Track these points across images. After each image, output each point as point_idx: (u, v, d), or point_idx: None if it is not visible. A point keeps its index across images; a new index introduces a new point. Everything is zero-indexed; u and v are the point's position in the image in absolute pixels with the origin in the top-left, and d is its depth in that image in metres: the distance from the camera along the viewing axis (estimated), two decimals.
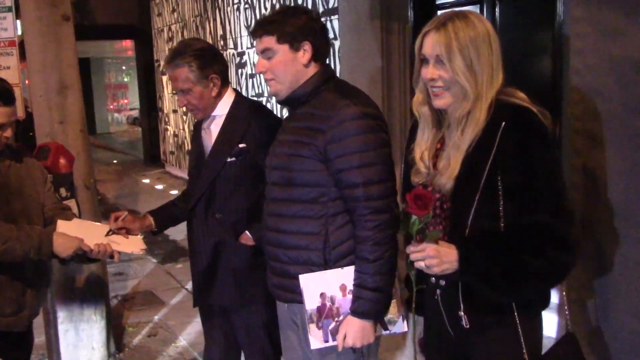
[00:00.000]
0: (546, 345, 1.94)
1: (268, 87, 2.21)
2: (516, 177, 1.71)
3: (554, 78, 3.24)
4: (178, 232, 6.67)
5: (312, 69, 2.13)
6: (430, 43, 1.77)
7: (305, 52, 2.11)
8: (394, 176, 2.06)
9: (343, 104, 2.03)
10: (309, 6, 5.73)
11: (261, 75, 2.22)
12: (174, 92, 2.62)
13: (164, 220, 2.74)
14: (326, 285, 2.04)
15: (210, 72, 2.52)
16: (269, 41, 2.12)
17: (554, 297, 2.57)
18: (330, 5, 5.41)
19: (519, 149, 1.71)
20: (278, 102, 2.23)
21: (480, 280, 1.77)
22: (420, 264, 1.75)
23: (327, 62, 2.23)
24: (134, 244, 2.56)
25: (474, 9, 4.12)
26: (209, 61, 2.54)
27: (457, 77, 1.74)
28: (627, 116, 2.27)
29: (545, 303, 1.89)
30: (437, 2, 4.36)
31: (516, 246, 1.73)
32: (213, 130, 2.61)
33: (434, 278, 1.89)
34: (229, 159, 2.53)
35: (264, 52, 2.14)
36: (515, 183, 1.71)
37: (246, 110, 2.60)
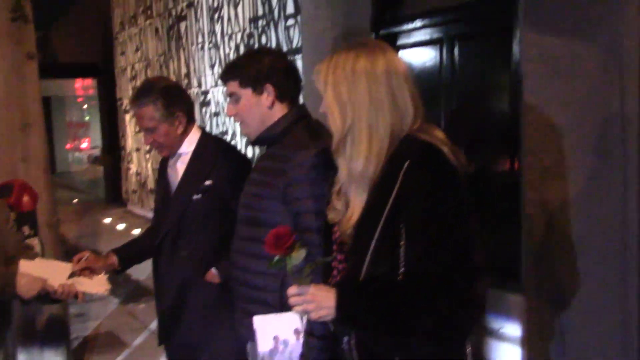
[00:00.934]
0: None
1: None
2: (416, 221, 1.56)
3: (512, 115, 3.34)
4: (140, 272, 6.56)
5: (279, 110, 2.17)
6: (315, 75, 1.74)
7: (269, 95, 2.15)
8: None
9: (306, 146, 2.04)
10: (273, 45, 5.83)
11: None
12: (139, 130, 2.63)
13: (128, 258, 2.71)
14: (280, 329, 1.97)
15: (175, 109, 2.55)
16: (234, 86, 2.17)
17: (517, 330, 2.62)
18: (294, 45, 5.51)
19: (420, 190, 1.57)
20: (250, 143, 2.27)
21: (359, 330, 1.64)
22: (298, 309, 1.65)
23: (299, 101, 2.26)
24: (98, 284, 2.53)
25: (433, 49, 4.25)
26: (174, 99, 2.57)
27: (327, 109, 1.69)
28: (580, 151, 2.36)
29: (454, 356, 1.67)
30: (398, 43, 4.48)
31: (404, 297, 1.55)
32: (179, 167, 2.62)
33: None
34: (195, 196, 2.54)
35: (231, 97, 2.20)
36: (415, 228, 1.56)
37: (212, 147, 2.62)
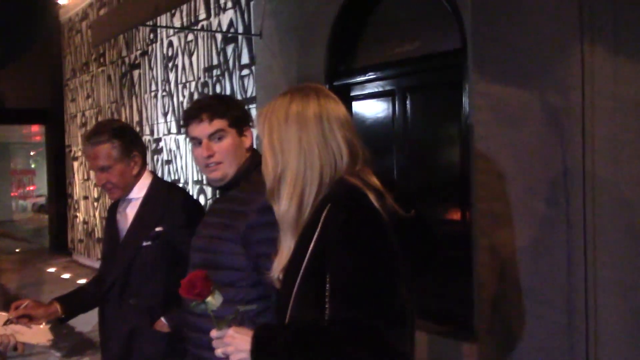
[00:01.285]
0: None
1: (210, 172, 2.15)
2: (334, 265, 1.51)
3: (463, 164, 3.42)
4: (84, 324, 6.33)
5: (248, 154, 2.18)
6: (256, 120, 1.76)
7: (247, 138, 2.17)
8: None
9: (264, 190, 2.05)
10: (228, 93, 5.86)
11: (201, 164, 2.16)
12: (89, 174, 2.57)
13: (73, 306, 2.59)
14: None
15: (132, 149, 2.52)
16: (221, 124, 2.12)
17: None
18: (249, 95, 5.56)
19: (337, 233, 1.52)
20: (216, 186, 2.21)
21: None
22: (219, 352, 1.62)
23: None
24: (39, 335, 2.41)
25: (385, 101, 4.35)
26: (131, 139, 2.54)
27: (262, 155, 1.70)
28: (528, 197, 2.42)
29: None
30: (351, 94, 4.57)
31: (320, 345, 1.47)
32: (129, 213, 2.57)
33: None
34: (144, 243, 2.48)
35: (214, 134, 2.12)
36: (333, 272, 1.50)
37: (164, 192, 2.58)
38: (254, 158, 2.18)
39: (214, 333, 1.63)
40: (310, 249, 1.56)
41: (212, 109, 2.14)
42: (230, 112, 2.16)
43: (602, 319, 2.31)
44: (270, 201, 1.70)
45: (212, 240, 2.10)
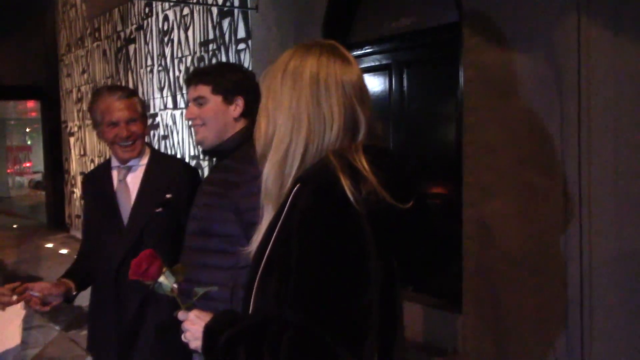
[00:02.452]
0: None
1: (195, 135, 2.25)
2: (294, 257, 1.29)
3: (458, 138, 3.43)
4: (82, 298, 6.37)
5: (241, 124, 2.21)
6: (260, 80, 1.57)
7: (237, 107, 2.20)
8: None
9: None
10: None
11: (189, 124, 2.26)
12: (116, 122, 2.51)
13: (82, 283, 2.54)
14: None
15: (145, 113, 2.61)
16: (204, 90, 2.20)
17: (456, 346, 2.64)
18: None
19: (299, 221, 1.30)
20: (203, 151, 2.28)
21: None
22: (182, 337, 1.48)
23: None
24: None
25: (382, 75, 4.34)
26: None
27: (258, 113, 1.51)
28: (517, 168, 2.43)
29: None
30: None
31: (262, 349, 1.28)
32: (130, 181, 2.56)
33: None
34: (156, 210, 2.49)
35: (196, 100, 2.21)
36: (293, 265, 1.29)
37: (168, 161, 2.62)
38: (250, 129, 2.19)
39: (179, 315, 1.48)
40: (275, 232, 1.37)
41: (199, 75, 2.22)
42: (217, 79, 2.19)
43: (597, 288, 2.34)
44: (260, 167, 1.50)
45: (206, 208, 2.15)
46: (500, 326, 2.56)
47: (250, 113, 2.22)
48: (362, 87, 1.47)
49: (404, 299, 1.49)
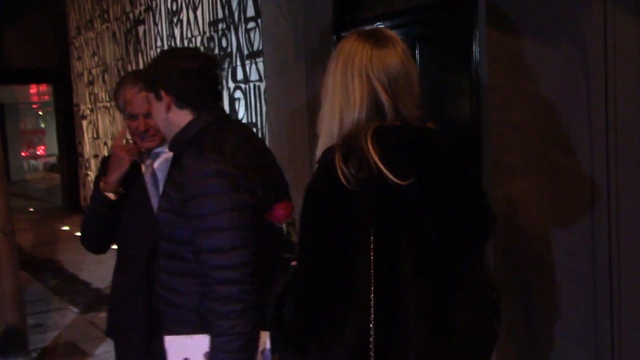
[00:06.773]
0: None
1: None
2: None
3: (472, 115, 3.38)
4: (100, 280, 6.43)
5: (183, 116, 2.01)
6: None
7: (162, 100, 2.02)
8: (251, 243, 1.87)
9: (203, 158, 1.89)
10: (233, 50, 5.79)
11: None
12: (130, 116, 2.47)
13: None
14: (190, 351, 1.89)
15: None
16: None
17: None
18: (255, 48, 5.48)
19: (303, 198, 1.44)
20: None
21: None
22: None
23: (214, 105, 2.08)
24: None
25: None
26: None
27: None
28: (543, 147, 2.39)
29: None
30: None
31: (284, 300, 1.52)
32: (157, 168, 2.50)
33: None
34: None
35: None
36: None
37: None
38: (203, 120, 2.02)
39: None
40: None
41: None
42: (144, 76, 2.14)
43: (625, 269, 2.30)
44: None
45: (165, 214, 2.03)
46: (528, 305, 2.54)
47: (186, 102, 2.00)
48: (397, 73, 1.48)
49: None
